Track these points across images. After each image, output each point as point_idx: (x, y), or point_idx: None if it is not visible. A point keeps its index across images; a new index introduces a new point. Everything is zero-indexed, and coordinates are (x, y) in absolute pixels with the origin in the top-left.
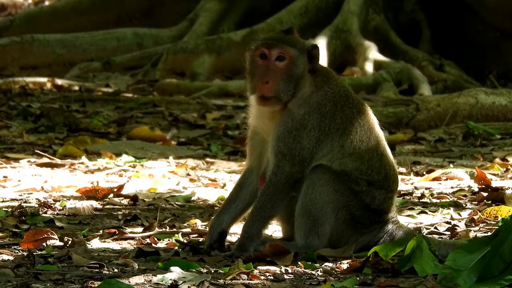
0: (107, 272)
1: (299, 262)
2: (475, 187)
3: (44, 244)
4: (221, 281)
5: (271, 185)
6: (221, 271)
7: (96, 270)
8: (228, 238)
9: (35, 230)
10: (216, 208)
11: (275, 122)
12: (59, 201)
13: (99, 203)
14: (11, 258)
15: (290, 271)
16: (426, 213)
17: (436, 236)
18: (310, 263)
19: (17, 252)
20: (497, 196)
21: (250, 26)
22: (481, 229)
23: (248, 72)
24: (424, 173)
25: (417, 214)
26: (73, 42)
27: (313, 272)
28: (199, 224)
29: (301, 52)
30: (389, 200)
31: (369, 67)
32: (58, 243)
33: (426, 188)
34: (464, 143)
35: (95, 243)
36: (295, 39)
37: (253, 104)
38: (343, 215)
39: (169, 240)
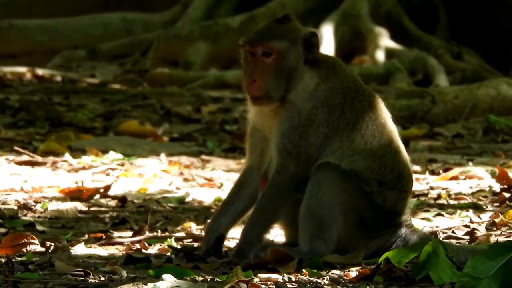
0: (93, 281)
1: (303, 270)
2: (497, 187)
3: (24, 249)
4: None
5: (274, 185)
6: (218, 279)
7: (81, 278)
8: (226, 243)
9: (14, 235)
10: (212, 210)
11: (278, 118)
12: (40, 202)
13: (84, 205)
14: None
15: (293, 279)
16: (442, 215)
17: (453, 241)
18: (315, 270)
19: None
20: None
21: (249, 10)
22: (503, 233)
23: (242, 70)
24: (441, 171)
25: (433, 216)
26: (55, 28)
27: (319, 281)
28: (194, 227)
29: (293, 43)
30: (402, 202)
31: (380, 56)
32: (39, 248)
33: (443, 188)
34: (485, 139)
35: (79, 249)
36: (287, 29)
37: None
38: (351, 217)
39: (161, 245)
